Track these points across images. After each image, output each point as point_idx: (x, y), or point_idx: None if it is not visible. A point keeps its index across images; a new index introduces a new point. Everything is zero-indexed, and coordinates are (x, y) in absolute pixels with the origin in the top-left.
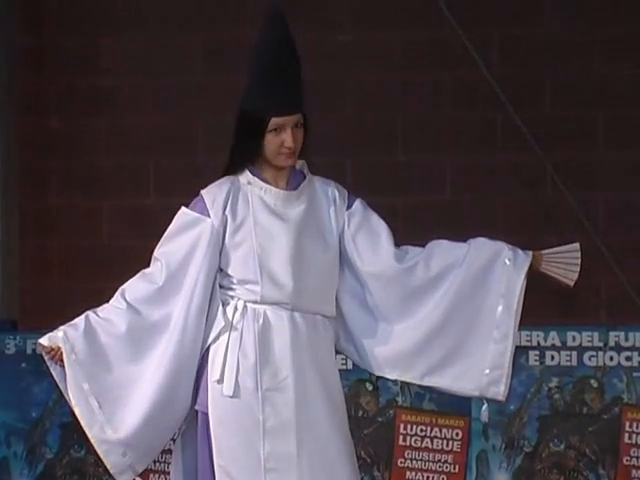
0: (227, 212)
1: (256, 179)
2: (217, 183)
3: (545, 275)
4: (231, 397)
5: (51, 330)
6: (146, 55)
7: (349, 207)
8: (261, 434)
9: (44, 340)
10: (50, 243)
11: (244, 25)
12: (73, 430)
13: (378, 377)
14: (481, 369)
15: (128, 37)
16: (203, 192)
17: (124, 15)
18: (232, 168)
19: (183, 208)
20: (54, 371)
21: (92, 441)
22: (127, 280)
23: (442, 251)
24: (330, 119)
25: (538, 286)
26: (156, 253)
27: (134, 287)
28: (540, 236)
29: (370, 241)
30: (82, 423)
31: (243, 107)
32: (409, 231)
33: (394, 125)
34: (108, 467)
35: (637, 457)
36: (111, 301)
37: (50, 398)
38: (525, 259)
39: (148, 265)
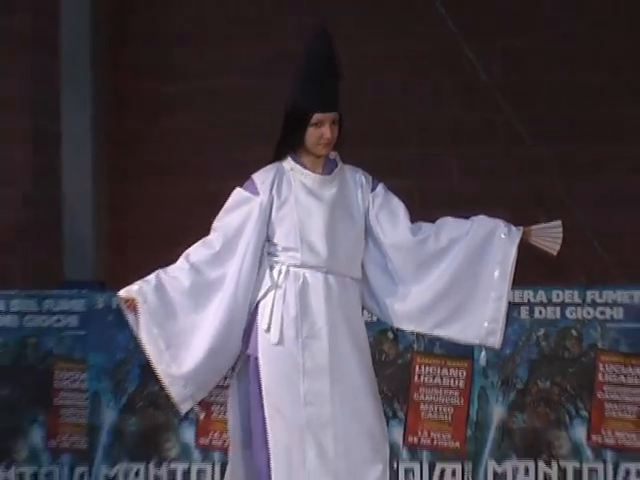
0: (273, 192)
1: (297, 166)
2: (266, 168)
3: (534, 246)
4: (276, 344)
5: None
6: (203, 67)
7: (373, 190)
8: (301, 374)
9: (122, 292)
10: (131, 220)
11: (288, 40)
12: (150, 369)
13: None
14: (481, 323)
15: (199, 52)
16: (254, 176)
17: (193, 33)
18: (278, 156)
19: (238, 188)
20: (129, 318)
21: (159, 375)
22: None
23: (449, 226)
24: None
25: (530, 255)
26: (215, 224)
27: (196, 251)
28: (532, 216)
29: (390, 218)
30: (151, 360)
31: (291, 105)
32: (422, 211)
33: (406, 122)
34: (171, 396)
35: (609, 392)
36: (177, 262)
37: (131, 344)
38: (517, 233)
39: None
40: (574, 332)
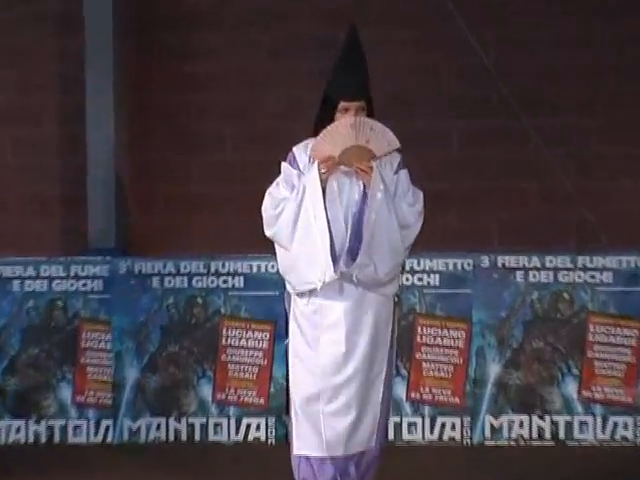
0: (308, 165)
1: None
2: (305, 143)
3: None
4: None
5: (152, 256)
6: (225, 47)
7: (396, 173)
8: (320, 329)
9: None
10: (153, 190)
11: (301, 24)
12: (170, 331)
13: (401, 291)
14: None
15: (210, 34)
16: (295, 149)
17: (210, 18)
18: (315, 131)
19: (283, 163)
20: None
21: None
22: (206, 216)
23: None
24: None
25: (524, 223)
26: (272, 192)
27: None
28: (522, 183)
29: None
30: None
31: (326, 91)
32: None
33: (413, 99)
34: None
35: (598, 351)
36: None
37: (152, 307)
38: None
39: (224, 208)
40: (566, 295)
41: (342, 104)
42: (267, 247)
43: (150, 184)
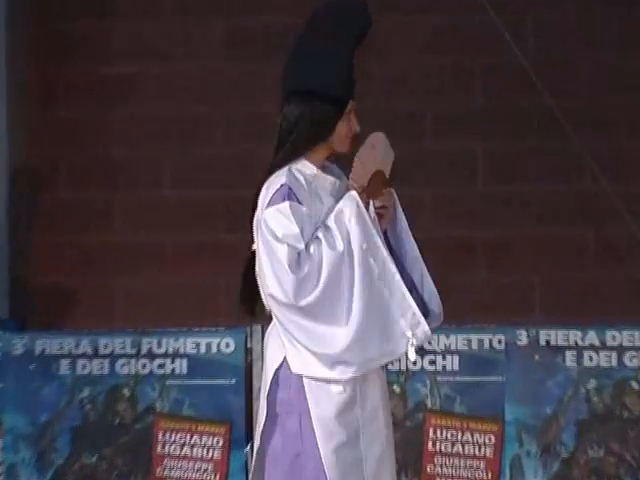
0: (310, 204)
1: (319, 171)
2: (290, 172)
3: None
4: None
5: (60, 330)
6: (160, 42)
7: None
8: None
9: None
10: (62, 240)
11: (262, 13)
12: (84, 434)
13: (406, 379)
14: None
15: (142, 23)
16: (287, 182)
17: (141, 1)
18: (293, 156)
19: (288, 202)
20: None
21: None
22: (136, 277)
23: None
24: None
25: (577, 285)
26: (287, 241)
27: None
28: (574, 226)
29: None
30: None
31: (323, 91)
32: (438, 221)
33: (424, 114)
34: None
35: None
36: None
37: (60, 401)
38: None
39: (159, 266)
40: (635, 384)
41: (352, 104)
42: (220, 318)
43: (57, 231)
